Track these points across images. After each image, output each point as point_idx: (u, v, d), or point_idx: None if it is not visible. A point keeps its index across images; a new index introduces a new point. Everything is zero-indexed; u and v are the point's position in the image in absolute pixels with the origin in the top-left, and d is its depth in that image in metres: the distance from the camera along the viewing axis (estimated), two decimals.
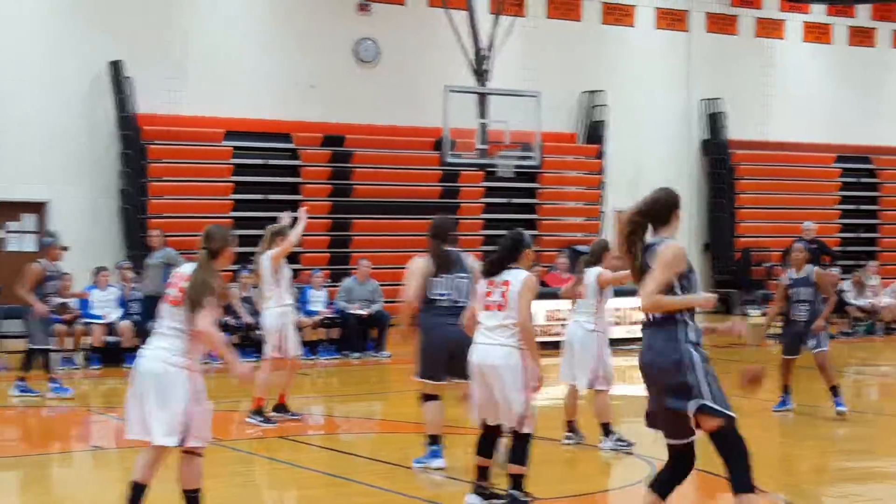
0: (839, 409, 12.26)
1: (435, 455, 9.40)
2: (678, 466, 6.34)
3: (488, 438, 7.99)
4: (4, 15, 21.49)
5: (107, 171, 22.09)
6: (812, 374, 16.60)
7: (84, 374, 16.26)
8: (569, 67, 26.50)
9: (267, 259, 11.78)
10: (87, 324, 16.99)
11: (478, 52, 23.43)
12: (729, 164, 28.17)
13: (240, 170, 22.82)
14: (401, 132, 24.56)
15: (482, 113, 22.24)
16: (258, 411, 11.59)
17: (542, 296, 19.08)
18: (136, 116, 21.86)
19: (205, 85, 22.81)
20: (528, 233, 8.53)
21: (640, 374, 6.31)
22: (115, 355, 16.68)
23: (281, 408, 11.92)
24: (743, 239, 27.76)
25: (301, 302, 18.25)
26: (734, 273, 27.50)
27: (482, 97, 22.44)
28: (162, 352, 6.85)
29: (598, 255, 10.41)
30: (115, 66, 21.84)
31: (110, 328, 17.06)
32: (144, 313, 16.44)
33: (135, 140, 21.80)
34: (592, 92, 26.67)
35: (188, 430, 6.79)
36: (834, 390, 12.36)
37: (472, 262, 9.56)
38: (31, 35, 21.50)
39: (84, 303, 17.34)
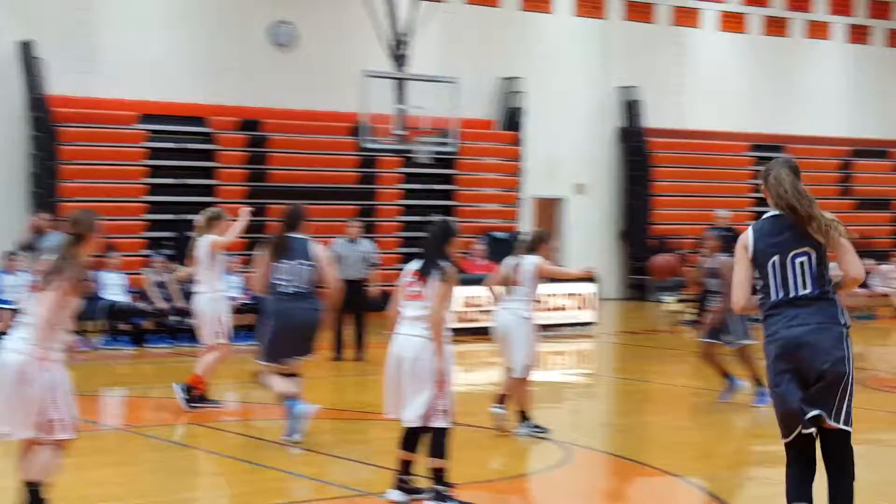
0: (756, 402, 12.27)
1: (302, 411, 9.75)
2: (810, 462, 6.01)
3: (412, 432, 7.91)
4: None
5: (16, 155, 21.66)
6: (724, 360, 16.86)
7: None
8: (487, 53, 26.53)
9: (205, 244, 11.63)
10: None
11: (396, 36, 23.35)
12: (645, 151, 28.43)
13: (154, 153, 22.51)
14: (318, 117, 24.39)
15: (400, 98, 22.17)
16: (202, 396, 11.50)
17: (460, 282, 19.20)
18: (46, 98, 21.45)
19: (119, 67, 22.46)
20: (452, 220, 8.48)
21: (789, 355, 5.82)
22: None
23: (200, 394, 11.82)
24: (658, 226, 28.04)
25: None
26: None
27: (400, 82, 22.36)
28: (20, 342, 6.64)
29: (536, 245, 10.44)
30: (25, 47, 21.40)
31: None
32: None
33: (45, 122, 21.39)
34: (510, 78, 26.73)
35: (47, 421, 6.60)
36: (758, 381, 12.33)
37: (319, 250, 9.81)
38: None
39: None
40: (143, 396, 13.03)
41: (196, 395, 11.49)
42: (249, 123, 23.73)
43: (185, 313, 17.49)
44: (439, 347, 7.64)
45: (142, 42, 22.81)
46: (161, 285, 17.56)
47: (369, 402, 12.02)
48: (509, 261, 10.53)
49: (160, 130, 22.67)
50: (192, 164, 23.02)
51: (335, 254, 15.97)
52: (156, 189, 22.24)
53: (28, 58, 21.39)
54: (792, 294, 5.81)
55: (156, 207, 22.19)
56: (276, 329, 9.66)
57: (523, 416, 10.28)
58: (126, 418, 11.65)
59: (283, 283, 9.64)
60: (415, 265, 7.88)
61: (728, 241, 20.62)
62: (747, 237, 5.94)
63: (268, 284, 9.74)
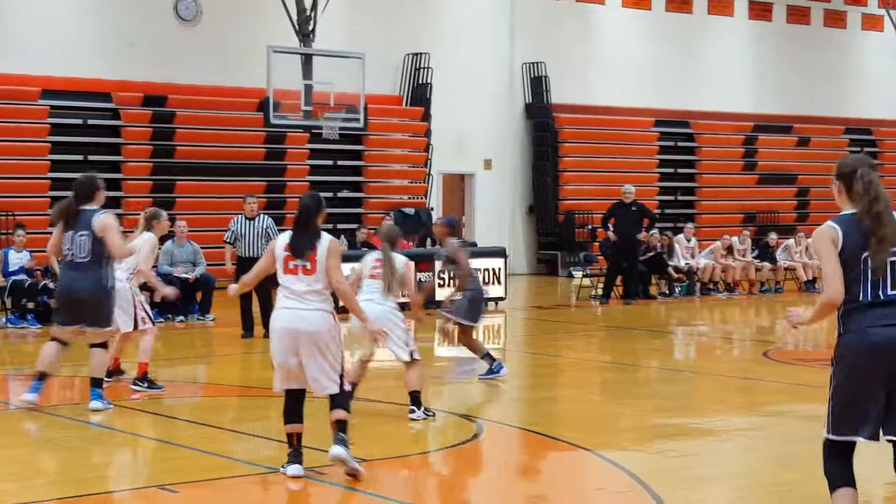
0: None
1: (33, 390, 10.26)
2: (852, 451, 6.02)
3: (296, 403, 7.98)
4: None
5: None
6: (633, 335, 17.15)
7: None
8: (393, 29, 26.50)
9: (144, 242, 11.63)
10: None
11: (301, 12, 23.21)
12: (552, 127, 28.65)
13: (57, 130, 22.15)
14: (224, 92, 24.19)
15: (307, 74, 22.08)
16: (143, 377, 11.44)
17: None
18: None
19: (20, 41, 22.04)
20: (322, 194, 8.58)
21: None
22: None
23: (115, 372, 11.84)
24: (566, 201, 28.31)
25: None
26: (558, 235, 28.06)
27: (307, 58, 22.27)
28: None
29: (394, 241, 10.42)
30: None
31: None
32: None
33: None
34: (417, 54, 26.73)
35: None
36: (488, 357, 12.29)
37: (104, 221, 10.13)
38: None
39: None
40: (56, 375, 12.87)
41: (143, 375, 11.53)
42: (155, 99, 23.45)
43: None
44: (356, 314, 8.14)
45: (45, 16, 22.40)
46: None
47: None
48: (369, 256, 10.50)
49: (64, 106, 22.31)
50: (96, 141, 22.70)
51: (233, 232, 15.85)
52: (60, 165, 21.90)
53: None
54: (883, 293, 5.78)
55: (60, 184, 21.81)
56: (58, 296, 10.75)
57: (416, 400, 10.27)
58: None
59: (68, 252, 10.16)
60: (285, 239, 7.95)
61: (636, 214, 21.04)
62: (836, 232, 5.75)
63: (59, 253, 10.45)
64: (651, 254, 22.20)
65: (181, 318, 17.80)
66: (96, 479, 8.17)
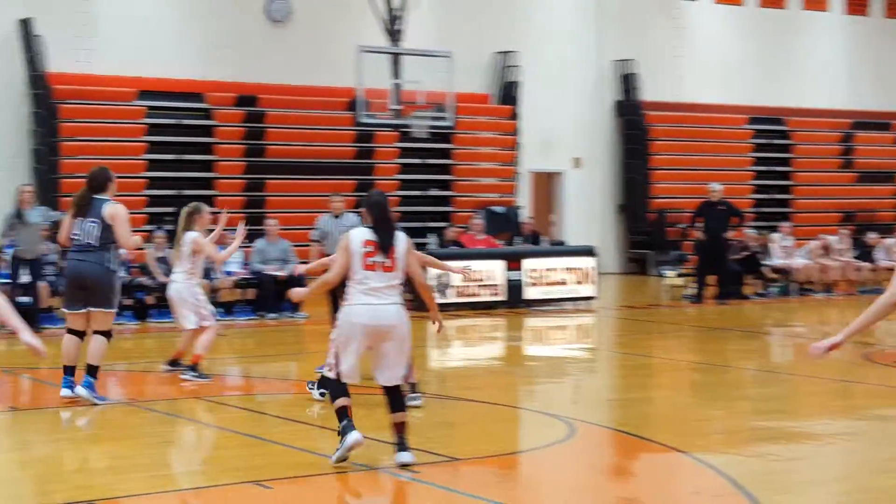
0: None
1: (67, 385, 10.44)
2: None
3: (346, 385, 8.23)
4: None
5: (18, 131, 21.64)
6: (726, 336, 16.91)
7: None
8: (482, 27, 26.45)
9: (189, 242, 12.08)
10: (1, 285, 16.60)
11: (390, 11, 23.27)
12: (643, 125, 28.38)
13: (153, 130, 22.48)
14: (314, 92, 24.35)
15: (396, 73, 22.11)
16: (194, 367, 11.77)
17: (458, 256, 19.21)
18: (46, 75, 21.40)
19: (117, 43, 22.39)
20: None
21: None
22: (29, 316, 16.29)
23: (176, 363, 12.19)
24: (657, 200, 28.03)
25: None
26: (649, 234, 27.79)
27: (395, 57, 22.30)
28: None
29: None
30: (25, 25, 21.32)
31: (24, 289, 16.65)
32: (14, 273, 16.16)
33: (46, 99, 21.37)
34: (505, 52, 26.65)
35: None
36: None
37: (114, 210, 10.59)
38: None
39: None
40: (146, 371, 13.05)
41: (195, 365, 11.87)
42: (247, 99, 23.69)
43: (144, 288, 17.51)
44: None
45: (140, 18, 22.73)
46: (162, 260, 17.54)
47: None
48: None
49: (159, 107, 22.64)
50: (190, 140, 22.99)
51: (320, 230, 15.87)
52: (155, 165, 22.23)
53: (28, 35, 21.32)
54: None
55: (155, 183, 22.16)
56: (66, 279, 10.82)
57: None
58: (129, 392, 11.66)
59: (75, 237, 10.49)
60: (364, 235, 8.14)
61: (723, 213, 20.75)
62: None
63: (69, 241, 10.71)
64: (746, 253, 21.87)
65: (273, 315, 17.94)
66: (190, 474, 8.25)
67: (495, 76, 26.83)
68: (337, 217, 15.86)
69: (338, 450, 8.05)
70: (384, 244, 8.05)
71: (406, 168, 25.13)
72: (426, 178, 25.43)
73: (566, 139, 27.83)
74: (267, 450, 8.87)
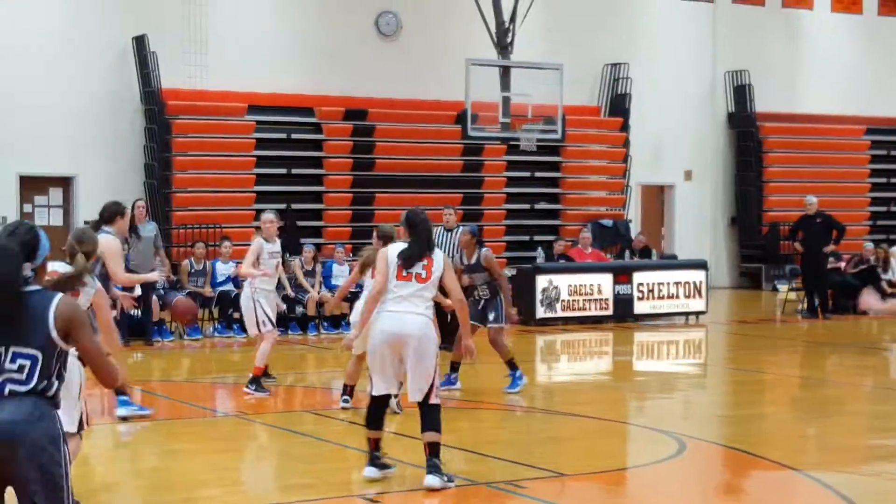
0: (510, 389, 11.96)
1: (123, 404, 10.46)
2: None
3: (383, 408, 8.26)
4: None
5: (132, 146, 22.06)
6: (841, 351, 16.47)
7: None
8: (592, 39, 26.25)
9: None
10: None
11: (500, 24, 23.22)
12: (756, 137, 27.88)
13: (262, 144, 22.74)
14: (423, 106, 24.42)
15: (505, 86, 22.04)
16: (254, 380, 11.84)
17: (567, 270, 19.06)
18: (159, 91, 21.79)
19: (227, 59, 22.70)
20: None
21: None
22: (141, 329, 16.57)
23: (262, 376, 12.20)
24: (771, 213, 27.50)
25: (325, 276, 18.19)
26: (762, 247, 27.29)
27: (504, 70, 22.24)
28: None
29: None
30: (139, 42, 21.76)
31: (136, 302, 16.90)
32: (127, 287, 16.38)
33: (159, 115, 21.75)
34: (616, 64, 26.43)
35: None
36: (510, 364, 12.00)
37: (103, 241, 9.37)
38: (57, 12, 21.43)
39: None
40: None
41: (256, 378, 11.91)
42: (356, 113, 23.84)
43: (297, 302, 17.70)
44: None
45: (249, 34, 23.03)
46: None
47: (463, 389, 11.99)
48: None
49: (268, 121, 22.90)
50: (299, 154, 23.21)
51: None
52: (264, 179, 22.47)
53: (142, 52, 21.75)
54: None
55: (264, 197, 22.40)
56: None
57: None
58: (239, 405, 11.76)
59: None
60: (399, 248, 8.15)
61: (821, 226, 20.25)
62: None
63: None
64: (863, 266, 21.34)
65: None
66: (299, 487, 8.26)
67: (605, 88, 26.61)
68: (449, 230, 15.82)
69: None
70: (420, 254, 8.05)
71: (514, 181, 25.05)
72: (534, 192, 25.31)
73: (677, 151, 27.49)
74: None
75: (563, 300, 18.67)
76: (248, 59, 22.91)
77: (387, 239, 10.27)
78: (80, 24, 21.55)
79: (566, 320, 18.58)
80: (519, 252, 23.37)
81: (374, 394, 8.15)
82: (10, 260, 4.42)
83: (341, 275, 18.43)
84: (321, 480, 8.59)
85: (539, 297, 18.62)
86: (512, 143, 23.64)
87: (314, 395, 12.60)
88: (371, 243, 17.81)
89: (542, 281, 18.69)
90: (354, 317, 9.59)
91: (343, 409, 10.76)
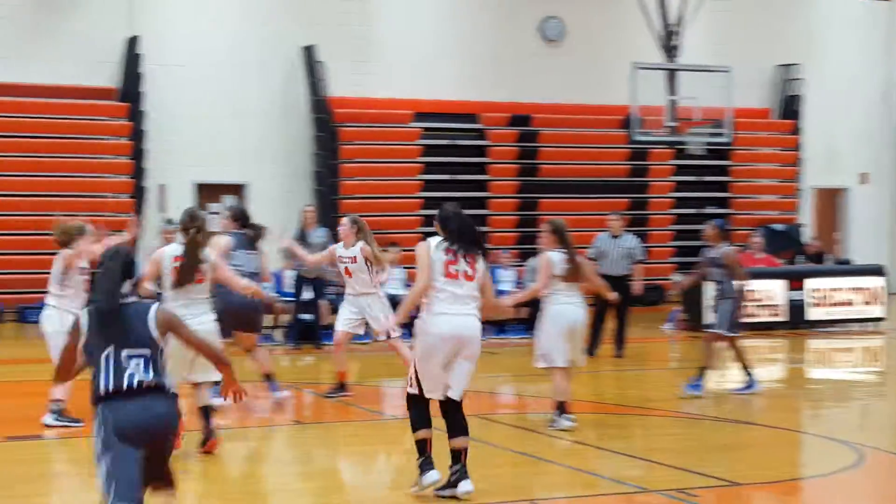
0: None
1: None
2: None
3: (428, 408, 7.86)
4: (201, 6, 22.06)
5: (301, 154, 22.51)
6: None
7: (284, 351, 16.56)
8: (762, 40, 25.70)
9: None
10: (285, 302, 17.26)
11: (666, 27, 22.90)
12: None
13: (428, 151, 22.92)
14: (588, 111, 24.28)
15: (671, 90, 21.74)
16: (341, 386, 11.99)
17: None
18: (328, 100, 22.16)
19: (394, 68, 22.98)
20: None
21: None
22: (311, 333, 16.84)
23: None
24: None
25: None
26: None
27: (671, 74, 21.93)
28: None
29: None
30: (308, 51, 22.18)
31: (306, 306, 17.20)
32: (297, 291, 16.67)
33: (327, 123, 22.13)
34: (787, 65, 25.80)
35: None
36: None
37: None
38: (229, 23, 22.03)
39: (278, 281, 17.60)
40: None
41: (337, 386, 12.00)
42: (520, 119, 23.83)
43: None
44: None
45: (415, 42, 23.25)
46: None
47: (633, 396, 11.82)
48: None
49: (434, 128, 23.07)
50: (464, 161, 23.31)
51: (596, 249, 15.61)
52: (430, 185, 22.64)
53: (311, 62, 22.16)
54: None
55: (430, 203, 22.55)
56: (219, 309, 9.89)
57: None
58: (405, 409, 11.81)
59: (237, 267, 10.73)
60: (444, 244, 7.89)
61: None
62: None
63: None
64: None
65: None
66: (475, 492, 8.24)
67: (776, 90, 26.02)
68: (615, 237, 15.63)
69: (415, 485, 7.77)
70: (465, 251, 7.78)
71: (681, 186, 24.67)
72: (702, 196, 24.88)
73: (852, 154, 26.68)
74: (540, 468, 8.79)
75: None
76: (415, 67, 23.14)
77: (559, 233, 10.17)
78: (252, 36, 22.09)
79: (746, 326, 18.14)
80: (687, 258, 23.00)
81: (427, 396, 7.79)
82: (113, 278, 5.58)
83: (506, 280, 18.43)
84: (487, 484, 8.57)
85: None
86: (679, 147, 23.31)
87: (479, 399, 12.59)
88: (536, 249, 17.75)
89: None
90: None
91: (566, 429, 10.08)
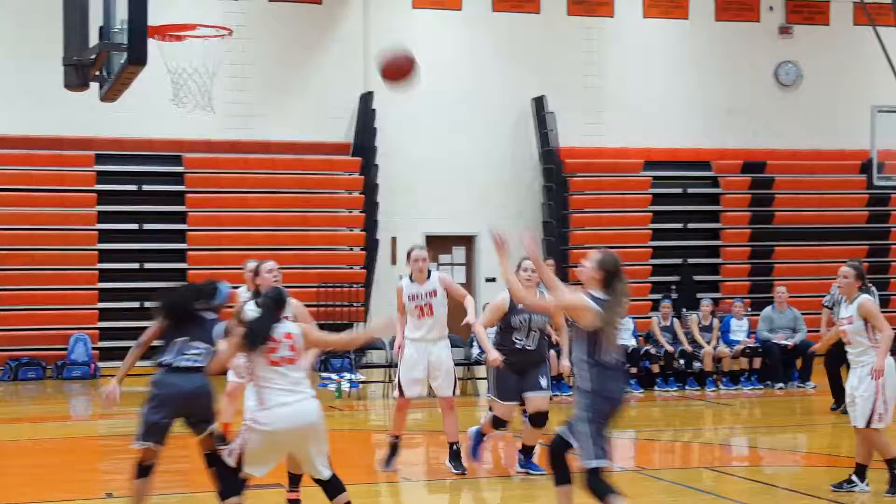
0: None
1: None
2: None
3: None
4: (433, 60, 22.66)
5: (531, 205, 22.76)
6: None
7: None
8: None
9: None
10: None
11: None
12: None
13: (658, 199, 22.83)
14: (824, 156, 23.74)
15: None
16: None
17: None
18: (557, 150, 22.38)
19: (625, 117, 23.05)
20: None
21: None
22: None
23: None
24: None
25: (722, 331, 17.94)
26: None
27: None
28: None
29: None
30: (538, 102, 22.48)
31: None
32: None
33: (557, 173, 22.35)
34: None
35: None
36: None
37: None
38: (460, 76, 22.49)
39: None
40: (652, 439, 13.17)
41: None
42: (754, 165, 23.49)
43: (693, 357, 17.57)
44: None
45: (645, 91, 23.27)
46: (667, 329, 17.72)
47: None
48: None
49: (665, 176, 22.98)
50: (695, 209, 23.11)
51: (832, 296, 15.11)
52: (660, 234, 22.53)
53: (541, 112, 22.46)
54: None
55: (660, 252, 22.45)
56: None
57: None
58: (636, 460, 11.81)
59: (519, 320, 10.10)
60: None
61: None
62: None
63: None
64: None
65: (780, 385, 17.53)
66: None
67: None
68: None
69: None
70: None
71: None
72: None
73: None
74: None
75: None
76: (646, 116, 23.15)
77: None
78: (483, 88, 22.54)
79: None
80: None
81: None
82: (188, 291, 8.15)
83: (739, 329, 18.16)
84: None
85: None
86: None
87: (712, 451, 12.44)
88: (771, 297, 17.28)
89: None
90: None
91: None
